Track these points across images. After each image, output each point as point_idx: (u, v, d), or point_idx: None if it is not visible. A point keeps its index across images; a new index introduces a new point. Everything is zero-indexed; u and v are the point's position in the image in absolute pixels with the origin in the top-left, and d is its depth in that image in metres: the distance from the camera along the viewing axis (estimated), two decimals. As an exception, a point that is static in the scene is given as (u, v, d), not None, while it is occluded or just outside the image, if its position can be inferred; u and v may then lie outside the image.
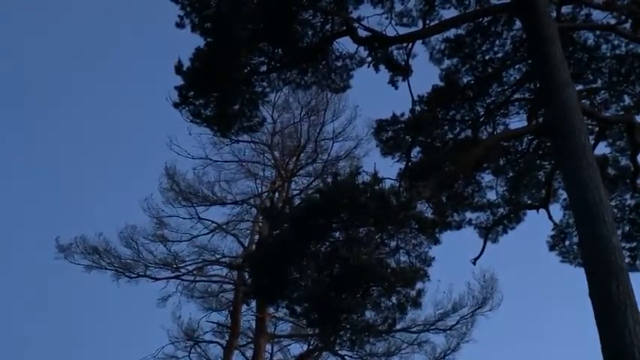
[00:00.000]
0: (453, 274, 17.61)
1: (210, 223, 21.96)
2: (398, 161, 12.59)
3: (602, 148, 13.05)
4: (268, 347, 20.95)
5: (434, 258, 9.81)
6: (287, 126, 23.59)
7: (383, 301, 9.88)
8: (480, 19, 12.04)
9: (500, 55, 12.53)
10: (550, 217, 13.46)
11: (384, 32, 11.01)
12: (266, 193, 23.11)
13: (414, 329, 18.19)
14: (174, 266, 21.13)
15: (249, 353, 20.30)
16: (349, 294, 9.59)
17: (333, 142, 22.69)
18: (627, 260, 12.82)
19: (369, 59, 11.34)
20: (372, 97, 20.57)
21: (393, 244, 9.73)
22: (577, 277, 9.00)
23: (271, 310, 19.74)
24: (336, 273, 9.35)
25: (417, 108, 12.34)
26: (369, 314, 10.22)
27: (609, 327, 6.98)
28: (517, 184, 13.75)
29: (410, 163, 12.13)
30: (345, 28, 10.90)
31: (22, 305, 30.60)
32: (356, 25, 10.81)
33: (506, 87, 12.78)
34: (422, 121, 12.35)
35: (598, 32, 12.12)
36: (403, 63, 11.58)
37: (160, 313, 22.03)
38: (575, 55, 12.28)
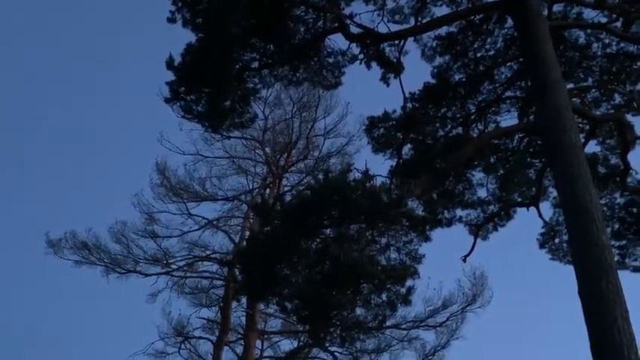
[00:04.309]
0: (443, 272, 17.66)
1: (200, 219, 22.02)
2: (389, 158, 12.60)
3: (592, 147, 13.12)
4: (258, 343, 20.99)
5: (424, 255, 9.81)
6: (278, 122, 23.65)
7: (373, 298, 9.86)
8: (472, 17, 12.06)
9: (491, 53, 12.58)
10: (540, 215, 13.51)
11: (376, 29, 11.02)
12: (257, 190, 23.10)
13: (404, 326, 18.25)
14: (165, 262, 21.12)
15: (239, 349, 20.31)
16: (340, 291, 9.57)
17: (325, 139, 22.81)
18: (616, 258, 12.86)
19: (361, 56, 11.34)
20: (364, 94, 20.57)
21: (383, 241, 9.73)
22: (567, 274, 9.04)
23: (261, 306, 19.76)
24: (327, 270, 9.32)
25: (409, 105, 12.36)
26: (359, 311, 10.20)
27: (598, 324, 7.02)
28: (507, 182, 13.79)
29: (401, 161, 12.13)
30: (337, 24, 10.87)
31: (11, 300, 30.43)
32: (348, 21, 10.80)
33: (497, 85, 12.80)
34: (413, 118, 12.35)
35: (589, 31, 12.17)
36: (395, 60, 11.59)
37: (149, 308, 21.97)
38: (566, 53, 12.31)
